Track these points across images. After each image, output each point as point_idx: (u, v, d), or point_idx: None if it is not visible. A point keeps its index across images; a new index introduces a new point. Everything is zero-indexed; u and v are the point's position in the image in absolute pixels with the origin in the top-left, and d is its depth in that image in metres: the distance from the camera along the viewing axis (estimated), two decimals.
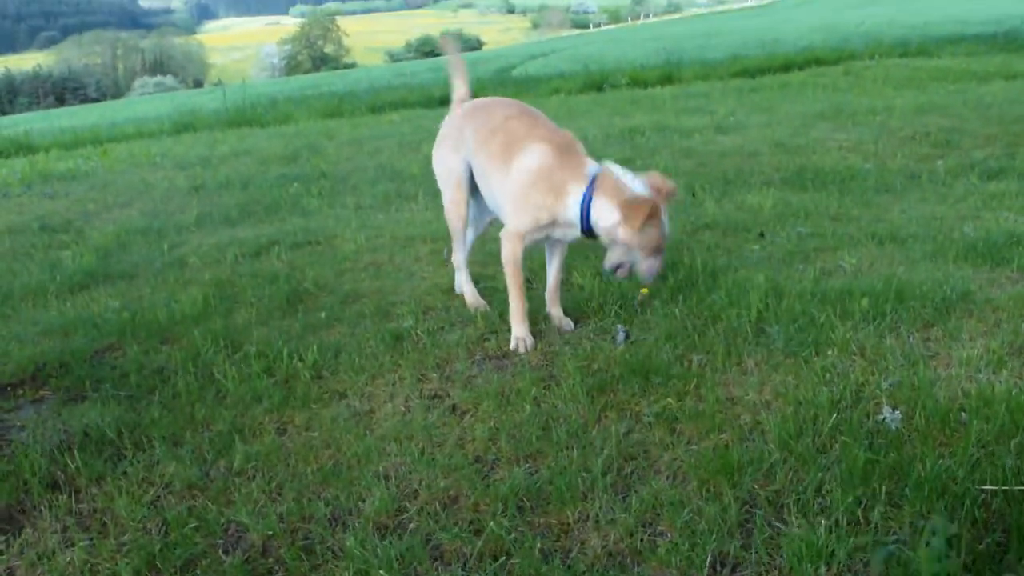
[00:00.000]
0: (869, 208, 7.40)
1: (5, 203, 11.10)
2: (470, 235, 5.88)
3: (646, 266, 4.79)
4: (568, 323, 5.28)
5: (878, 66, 18.91)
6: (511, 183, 5.01)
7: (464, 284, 5.78)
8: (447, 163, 5.58)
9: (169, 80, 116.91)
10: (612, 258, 4.88)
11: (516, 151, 5.01)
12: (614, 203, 4.68)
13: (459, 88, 5.83)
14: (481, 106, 5.55)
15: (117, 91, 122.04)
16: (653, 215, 4.61)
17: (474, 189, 5.56)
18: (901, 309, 4.88)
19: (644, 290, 5.35)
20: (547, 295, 5.39)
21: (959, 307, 4.90)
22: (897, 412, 3.79)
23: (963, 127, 10.88)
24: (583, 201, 4.78)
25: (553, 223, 4.96)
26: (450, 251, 5.87)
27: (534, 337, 5.07)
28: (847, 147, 10.13)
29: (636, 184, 4.77)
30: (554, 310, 5.37)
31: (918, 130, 10.82)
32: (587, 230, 4.85)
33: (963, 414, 3.74)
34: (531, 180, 4.91)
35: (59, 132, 21.45)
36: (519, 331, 5.08)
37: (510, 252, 5.07)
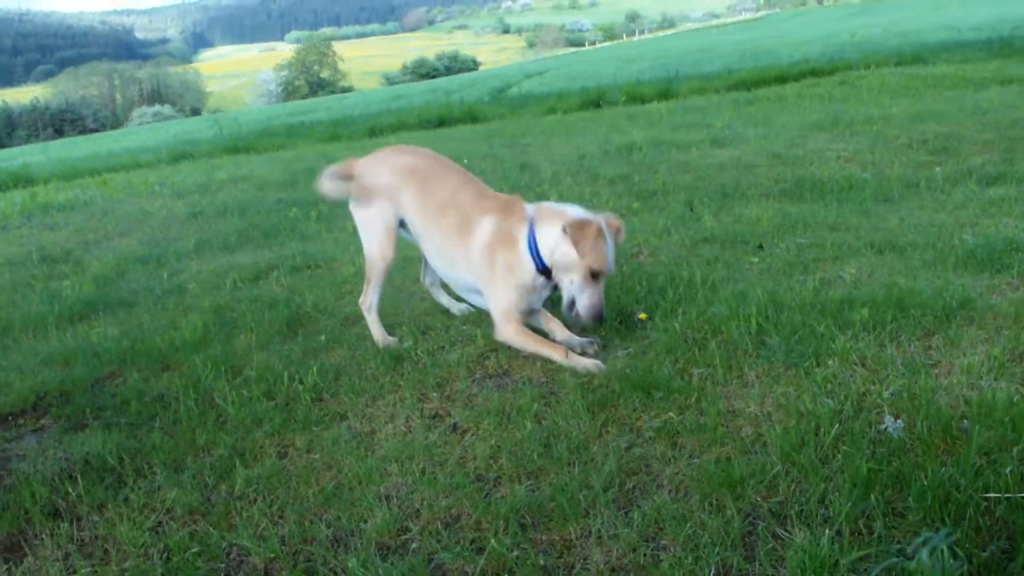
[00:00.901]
0: (868, 217, 7.39)
1: (5, 235, 11.13)
2: (432, 267, 5.89)
3: (585, 298, 4.93)
4: (593, 340, 5.17)
5: (873, 75, 18.93)
6: (479, 266, 5.17)
7: (374, 326, 5.70)
8: (374, 212, 5.56)
9: (167, 109, 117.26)
10: (565, 295, 5.05)
11: (468, 229, 5.21)
12: (556, 225, 4.91)
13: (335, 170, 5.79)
14: (418, 170, 5.52)
15: (115, 122, 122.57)
16: (598, 234, 4.83)
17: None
18: (901, 318, 4.86)
19: (642, 315, 5.33)
20: (557, 336, 5.25)
21: (959, 315, 4.88)
22: (899, 421, 3.78)
23: (960, 134, 10.88)
24: (529, 238, 5.03)
25: (527, 280, 5.10)
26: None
27: (531, 358, 5.06)
28: (844, 157, 10.13)
29: (576, 211, 5.01)
30: (567, 335, 5.24)
31: (915, 138, 10.82)
32: (543, 268, 5.03)
33: (965, 422, 3.71)
34: (491, 251, 5.11)
35: (58, 164, 21.58)
36: (580, 364, 4.83)
37: (507, 336, 5.14)
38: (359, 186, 5.59)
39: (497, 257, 5.08)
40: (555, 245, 4.91)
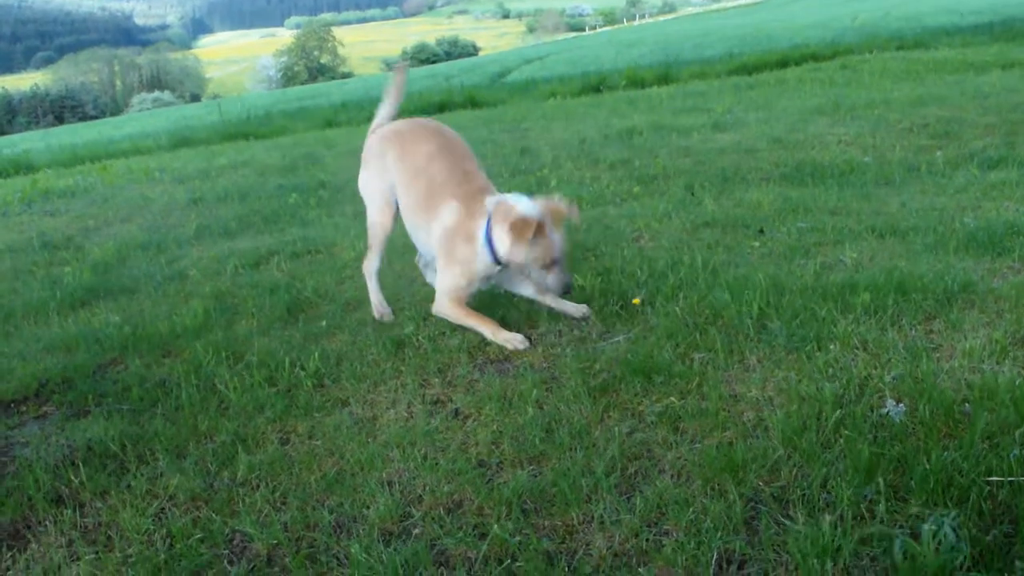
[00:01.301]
0: (869, 201, 7.38)
1: (6, 222, 11.13)
2: None
3: (551, 280, 5.08)
4: (583, 307, 5.39)
5: (874, 60, 18.90)
6: (437, 245, 5.31)
7: (373, 293, 5.90)
8: (373, 185, 5.78)
9: (167, 95, 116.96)
10: (522, 283, 5.37)
11: (434, 210, 5.29)
12: (505, 226, 4.98)
13: (383, 114, 5.92)
14: (401, 133, 5.64)
15: (115, 108, 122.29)
16: (539, 230, 4.90)
17: None
18: (903, 302, 4.85)
19: (636, 300, 5.33)
20: (544, 300, 5.42)
21: (961, 298, 4.87)
22: (901, 405, 3.78)
23: (962, 117, 10.86)
24: (486, 234, 5.12)
25: (482, 271, 5.23)
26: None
27: (536, 341, 5.07)
28: (846, 141, 10.12)
29: (525, 206, 5.03)
30: (556, 304, 5.40)
31: (916, 122, 10.81)
32: (498, 261, 5.16)
33: (967, 405, 3.71)
34: (451, 237, 5.22)
35: (58, 150, 21.55)
36: (503, 337, 5.10)
37: (443, 311, 5.34)
38: (363, 156, 5.83)
39: (456, 246, 5.19)
40: (507, 249, 5.02)
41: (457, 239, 5.18)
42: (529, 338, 5.08)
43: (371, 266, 5.86)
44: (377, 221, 5.76)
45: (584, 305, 5.37)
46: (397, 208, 5.67)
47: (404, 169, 5.48)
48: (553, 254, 4.99)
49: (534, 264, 5.01)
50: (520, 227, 4.89)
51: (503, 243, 5.02)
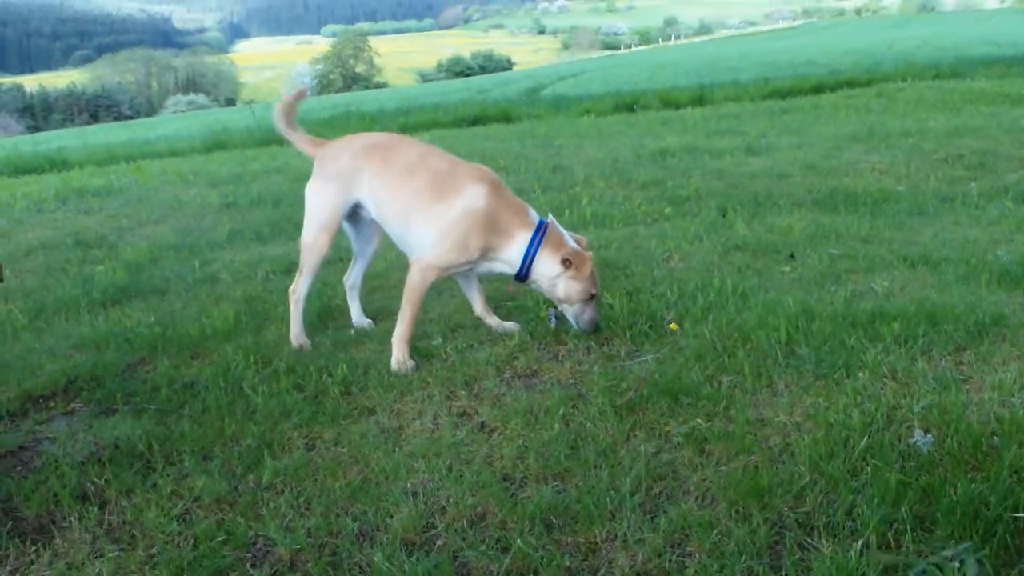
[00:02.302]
0: (901, 230, 7.36)
1: (40, 218, 11.21)
2: (359, 267, 6.03)
3: (587, 315, 5.25)
4: (512, 324, 5.63)
5: (910, 88, 18.82)
6: (447, 222, 5.20)
7: (295, 319, 5.77)
8: (326, 200, 5.58)
9: (201, 98, 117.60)
10: (567, 313, 5.33)
11: (450, 190, 5.22)
12: (558, 255, 5.13)
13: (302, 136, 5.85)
14: (378, 145, 5.58)
15: (150, 109, 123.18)
16: (591, 268, 5.15)
17: (354, 219, 5.75)
18: (933, 332, 4.83)
19: (673, 326, 5.32)
20: (480, 311, 5.71)
21: (992, 331, 4.85)
22: (929, 436, 3.76)
23: (997, 150, 10.82)
24: (529, 248, 5.20)
25: (489, 260, 5.31)
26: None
27: (563, 357, 5.07)
28: (879, 169, 10.08)
29: (570, 239, 5.27)
30: (491, 319, 5.68)
31: (951, 152, 10.76)
32: (523, 275, 5.28)
33: (995, 439, 3.69)
34: (473, 221, 5.17)
35: (93, 149, 21.66)
36: (401, 354, 5.21)
37: (420, 282, 5.29)
38: (318, 170, 5.64)
39: (476, 233, 5.17)
40: (556, 276, 5.17)
41: (483, 226, 5.18)
42: (556, 355, 5.09)
43: (301, 290, 5.74)
44: (314, 242, 5.59)
45: (515, 324, 5.60)
46: (335, 231, 5.62)
47: (392, 172, 5.39)
48: (594, 291, 5.20)
49: (576, 297, 5.18)
50: (581, 263, 5.09)
51: (548, 267, 5.16)
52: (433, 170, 5.31)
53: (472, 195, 5.17)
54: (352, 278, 6.04)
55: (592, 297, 5.21)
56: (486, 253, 5.24)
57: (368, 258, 6.01)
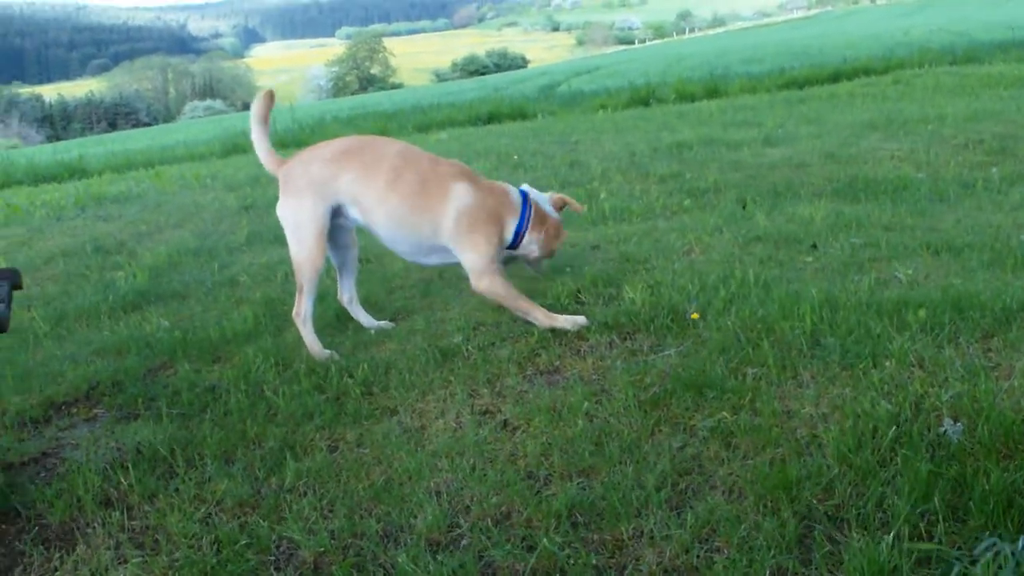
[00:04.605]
0: (923, 217, 7.29)
1: (60, 226, 11.24)
2: (348, 279, 5.97)
3: (544, 266, 6.05)
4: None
5: (927, 74, 18.69)
6: (453, 227, 5.38)
7: (309, 338, 5.57)
8: (307, 213, 5.45)
9: (218, 104, 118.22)
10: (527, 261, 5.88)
11: (438, 193, 5.37)
12: (541, 228, 5.64)
13: (265, 142, 5.78)
14: (351, 150, 5.51)
15: (168, 115, 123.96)
16: (560, 234, 5.80)
17: (330, 234, 5.64)
18: (959, 320, 4.77)
19: (695, 315, 5.28)
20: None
21: (1019, 317, 4.77)
22: (959, 424, 3.70)
23: (1018, 133, 10.70)
24: (521, 222, 5.56)
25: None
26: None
27: (585, 353, 5.03)
28: (899, 156, 10.00)
29: (546, 204, 5.73)
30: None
31: (971, 138, 10.66)
32: (511, 245, 5.62)
33: None
34: (472, 218, 5.37)
35: (112, 156, 21.76)
36: (560, 322, 5.35)
37: (491, 284, 5.42)
38: (287, 187, 5.53)
39: (480, 220, 5.38)
40: (532, 242, 5.66)
41: (482, 215, 5.39)
42: (578, 350, 5.06)
43: (305, 310, 5.55)
44: (306, 258, 5.45)
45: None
46: (325, 241, 5.51)
47: (376, 175, 5.35)
48: (557, 248, 5.87)
49: (547, 253, 5.79)
50: (557, 230, 5.74)
51: (534, 239, 5.63)
52: (420, 171, 5.41)
53: (459, 196, 5.37)
54: (346, 292, 5.97)
55: (552, 253, 5.84)
56: (500, 240, 5.51)
57: (352, 266, 5.93)
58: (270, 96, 5.79)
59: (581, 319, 5.32)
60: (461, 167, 5.54)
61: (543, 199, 5.72)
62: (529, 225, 5.54)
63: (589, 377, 4.71)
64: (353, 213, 5.49)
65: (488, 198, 5.44)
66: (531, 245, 5.64)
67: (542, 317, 5.34)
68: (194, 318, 6.50)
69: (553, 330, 5.28)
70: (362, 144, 5.58)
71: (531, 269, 6.02)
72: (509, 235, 5.52)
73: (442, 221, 5.34)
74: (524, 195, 5.60)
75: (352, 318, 6.04)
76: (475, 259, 5.37)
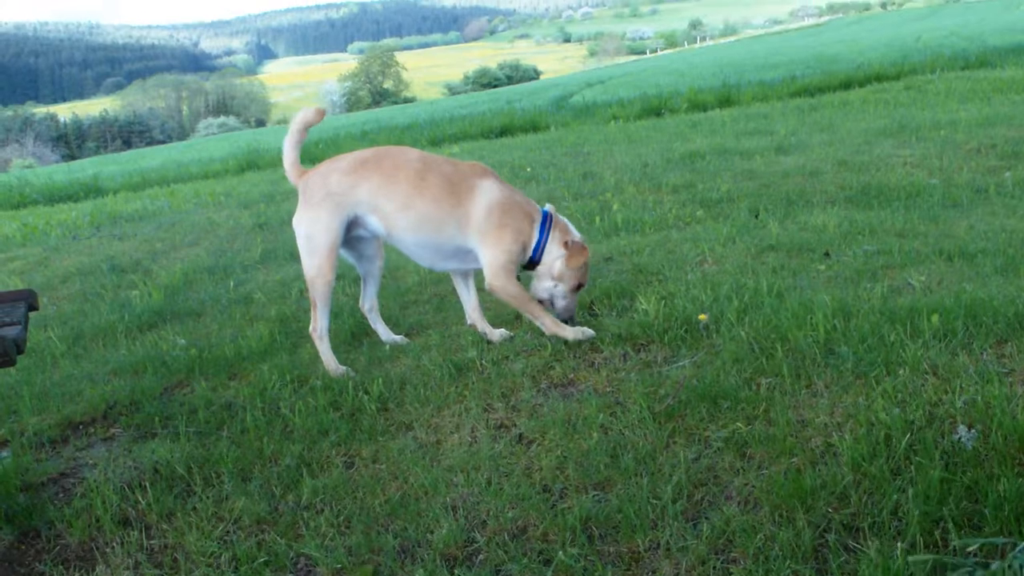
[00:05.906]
0: (936, 224, 7.28)
1: (75, 245, 11.31)
2: (371, 289, 5.97)
3: (564, 303, 5.56)
4: (504, 332, 5.75)
5: (940, 80, 18.65)
6: (482, 223, 5.40)
7: (325, 355, 5.58)
8: (321, 226, 5.45)
9: (232, 121, 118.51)
10: (538, 289, 5.58)
11: (466, 191, 5.40)
12: (562, 241, 5.50)
13: (294, 154, 5.79)
14: (367, 160, 5.52)
15: (182, 133, 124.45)
16: (586, 261, 5.50)
17: (350, 244, 5.71)
18: (973, 326, 4.76)
19: (702, 316, 5.30)
20: (473, 314, 5.83)
21: None
22: (973, 431, 3.70)
23: None
24: (540, 235, 5.51)
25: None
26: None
27: (599, 365, 5.04)
28: (912, 163, 9.99)
29: (569, 223, 5.64)
30: (484, 325, 5.79)
31: (984, 143, 10.64)
32: (533, 261, 5.54)
33: None
34: (502, 212, 5.41)
35: (127, 175, 21.91)
36: (570, 333, 5.38)
37: (505, 284, 5.42)
38: (305, 199, 5.55)
39: (512, 220, 5.41)
40: (554, 260, 5.51)
41: (513, 214, 5.43)
42: (592, 363, 5.06)
43: (321, 326, 5.56)
44: (318, 272, 5.46)
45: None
46: (336, 256, 5.51)
47: (398, 181, 5.37)
48: (582, 281, 5.57)
49: (566, 283, 5.50)
50: (579, 250, 5.42)
51: (554, 253, 5.49)
52: (443, 174, 5.42)
53: (486, 192, 5.41)
54: (367, 301, 5.98)
55: (579, 286, 5.56)
56: (526, 240, 5.47)
57: (377, 276, 5.95)
58: (320, 113, 5.83)
59: (588, 331, 5.36)
60: (483, 166, 5.58)
61: (565, 219, 5.68)
62: (550, 236, 5.49)
63: (603, 389, 4.72)
64: (372, 222, 5.49)
65: (515, 194, 5.51)
66: (555, 262, 5.46)
67: (550, 324, 5.40)
68: (210, 336, 6.54)
69: (565, 342, 5.29)
70: (380, 154, 5.59)
71: (560, 310, 5.56)
72: (533, 238, 5.45)
73: (471, 217, 5.36)
74: (545, 212, 5.57)
75: (368, 332, 6.07)
76: (497, 255, 5.37)
